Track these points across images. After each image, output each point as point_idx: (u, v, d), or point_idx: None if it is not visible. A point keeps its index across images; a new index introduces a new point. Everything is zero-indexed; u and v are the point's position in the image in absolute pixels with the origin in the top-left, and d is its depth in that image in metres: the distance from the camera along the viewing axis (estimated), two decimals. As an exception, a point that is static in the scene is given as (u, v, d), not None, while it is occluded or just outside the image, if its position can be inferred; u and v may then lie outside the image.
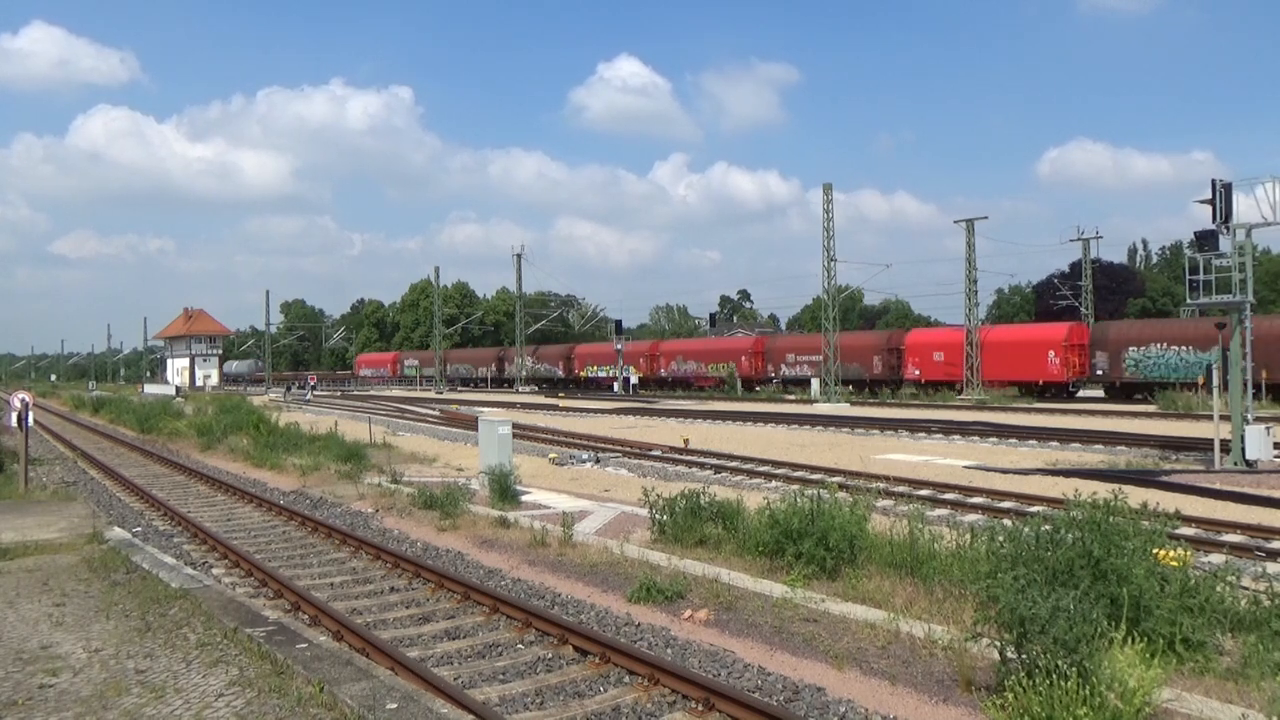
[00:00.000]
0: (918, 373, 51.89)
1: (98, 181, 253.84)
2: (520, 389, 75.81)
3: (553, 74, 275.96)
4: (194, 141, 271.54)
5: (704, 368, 65.55)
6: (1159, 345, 43.43)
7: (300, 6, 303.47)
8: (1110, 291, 71.06)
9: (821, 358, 53.26)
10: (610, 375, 70.54)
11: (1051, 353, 46.47)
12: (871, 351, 55.18)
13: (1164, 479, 18.46)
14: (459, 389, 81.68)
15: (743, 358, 62.97)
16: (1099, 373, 45.57)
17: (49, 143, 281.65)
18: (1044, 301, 73.49)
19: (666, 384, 68.66)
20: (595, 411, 45.34)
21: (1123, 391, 44.52)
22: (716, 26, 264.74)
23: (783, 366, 60.88)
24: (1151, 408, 38.35)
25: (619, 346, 68.17)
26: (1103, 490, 8.78)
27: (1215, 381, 20.94)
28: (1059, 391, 46.25)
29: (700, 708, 6.95)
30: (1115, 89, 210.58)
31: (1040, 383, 46.83)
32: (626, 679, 7.71)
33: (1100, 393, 46.81)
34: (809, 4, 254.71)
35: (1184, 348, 42.22)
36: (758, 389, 60.01)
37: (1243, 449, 19.60)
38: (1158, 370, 43.23)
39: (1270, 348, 39.16)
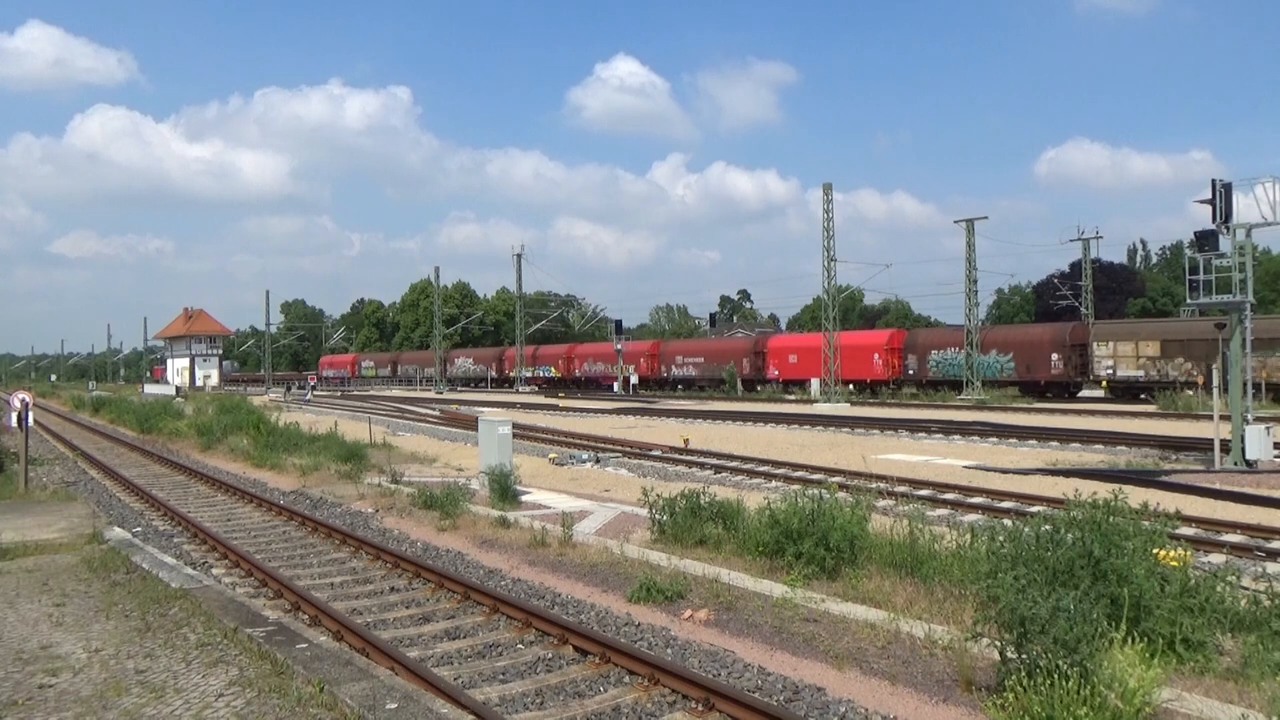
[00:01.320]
0: (777, 373, 58.77)
1: (96, 181, 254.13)
2: (520, 389, 75.81)
3: (550, 74, 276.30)
4: (192, 141, 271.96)
5: (609, 368, 72.48)
6: (954, 349, 49.97)
7: (298, 7, 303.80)
8: (1110, 291, 71.08)
9: (701, 359, 65.12)
10: (535, 376, 79.30)
11: (876, 355, 53.51)
12: (742, 354, 62.81)
13: (1164, 479, 18.46)
14: (459, 389, 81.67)
15: (641, 359, 70.87)
16: (910, 372, 52.25)
17: (47, 143, 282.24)
18: (1044, 301, 73.55)
19: (580, 383, 75.52)
20: (595, 411, 45.34)
21: (930, 386, 50.63)
22: (714, 26, 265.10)
23: (673, 368, 68.48)
24: (1151, 408, 38.35)
25: (619, 346, 68.28)
26: (1103, 490, 8.78)
27: (1215, 382, 20.94)
28: (884, 387, 52.82)
29: (700, 708, 6.95)
30: (1113, 89, 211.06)
31: (869, 381, 53.43)
32: (626, 679, 7.71)
33: (914, 389, 52.10)
34: (806, 3, 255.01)
35: (959, 350, 49.21)
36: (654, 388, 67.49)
37: (1243, 449, 19.59)
38: (954, 370, 49.94)
39: (1030, 352, 47.91)
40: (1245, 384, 20.15)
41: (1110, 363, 44.18)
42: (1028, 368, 48.24)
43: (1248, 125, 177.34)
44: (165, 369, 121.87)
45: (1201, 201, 20.19)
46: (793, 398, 54.12)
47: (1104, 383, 44.56)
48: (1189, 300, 21.26)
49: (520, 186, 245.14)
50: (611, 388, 68.06)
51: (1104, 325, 47.91)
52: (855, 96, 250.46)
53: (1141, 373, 42.74)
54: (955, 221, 72.26)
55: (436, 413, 44.78)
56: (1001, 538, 8.26)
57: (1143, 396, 42.89)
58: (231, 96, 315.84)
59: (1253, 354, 20.66)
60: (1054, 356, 46.91)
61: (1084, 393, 48.17)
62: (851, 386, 53.93)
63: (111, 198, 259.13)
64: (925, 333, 54.84)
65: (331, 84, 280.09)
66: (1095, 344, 44.74)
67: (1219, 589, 7.84)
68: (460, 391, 77.34)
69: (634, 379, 67.17)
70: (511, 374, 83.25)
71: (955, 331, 53.22)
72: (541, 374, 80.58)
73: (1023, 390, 47.64)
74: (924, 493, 16.74)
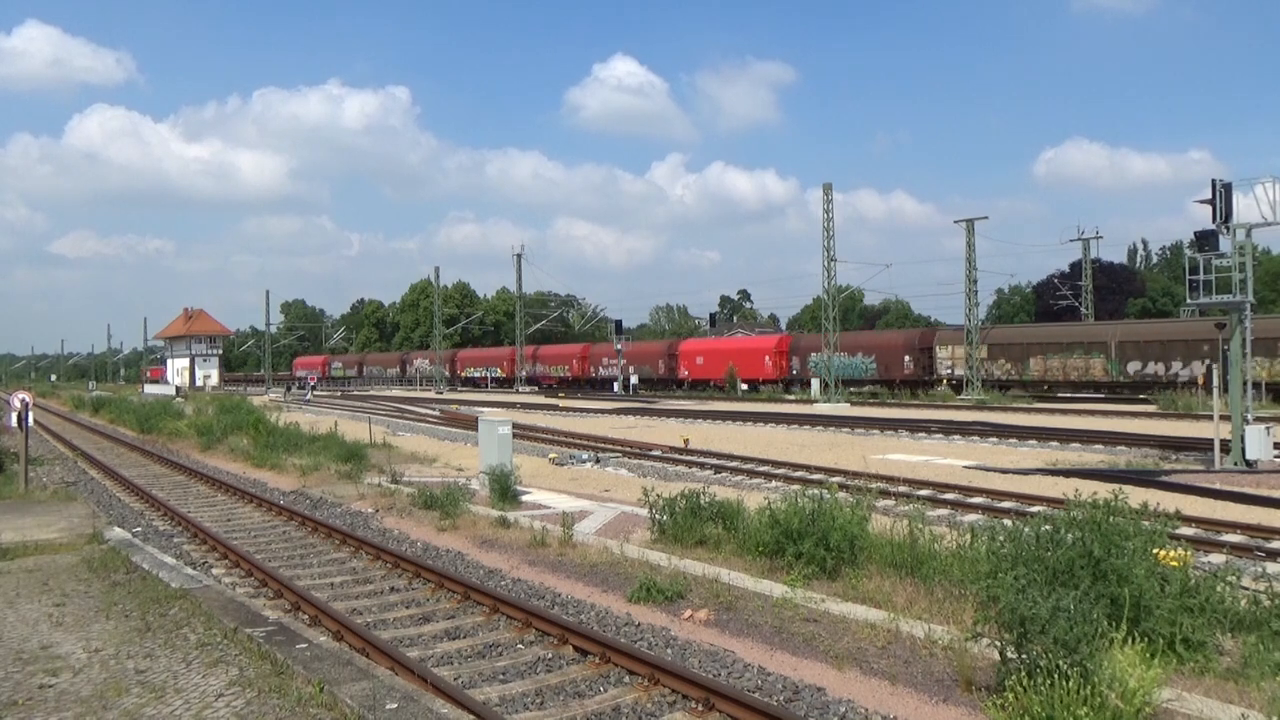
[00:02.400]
0: (687, 373, 64.83)
1: (95, 181, 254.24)
2: (520, 389, 75.82)
3: (549, 74, 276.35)
4: (191, 141, 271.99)
5: (550, 368, 78.45)
6: (836, 355, 54.40)
7: (296, 7, 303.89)
8: (1110, 291, 71.05)
9: (624, 361, 69.17)
10: (484, 375, 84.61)
11: (767, 358, 59.13)
12: (659, 356, 68.75)
13: (1164, 479, 18.45)
14: (459, 389, 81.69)
15: (574, 361, 76.36)
16: (794, 373, 58.38)
17: (45, 143, 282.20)
18: (1044, 301, 73.52)
19: (529, 382, 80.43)
20: (595, 411, 45.34)
21: (808, 386, 55.89)
22: (713, 26, 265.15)
23: (600, 369, 73.54)
24: (1151, 408, 38.35)
25: (619, 346, 68.31)
26: (1103, 490, 8.77)
27: (1215, 381, 20.94)
28: (774, 385, 58.49)
29: (700, 708, 6.95)
30: (1112, 89, 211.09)
31: (760, 379, 58.93)
32: (627, 679, 7.70)
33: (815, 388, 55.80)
34: (805, 3, 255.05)
35: (845, 354, 54.38)
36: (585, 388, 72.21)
37: (1243, 449, 19.59)
38: (834, 371, 54.34)
39: (888, 354, 53.54)
40: (1245, 384, 20.15)
41: (950, 363, 50.74)
42: (885, 368, 54.04)
43: (1247, 125, 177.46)
44: (160, 369, 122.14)
45: (1201, 201, 20.20)
46: (793, 398, 54.15)
47: (944, 380, 50.60)
48: (1189, 300, 21.26)
49: (519, 186, 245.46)
50: (552, 387, 69.22)
51: (945, 331, 54.82)
52: (854, 96, 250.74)
53: (1005, 374, 48.91)
54: (955, 221, 72.43)
55: (436, 413, 44.79)
56: (1001, 538, 8.26)
57: (1007, 390, 48.47)
58: (230, 96, 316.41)
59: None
60: (906, 358, 52.82)
61: (1083, 394, 48.81)
62: (745, 385, 60.53)
63: (111, 198, 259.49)
64: (806, 338, 62.53)
65: (330, 84, 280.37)
66: (938, 348, 51.37)
67: (1219, 589, 7.84)
68: (460, 391, 77.35)
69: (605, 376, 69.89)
70: (462, 374, 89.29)
71: (842, 336, 60.03)
72: (489, 374, 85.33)
73: (882, 387, 53.64)
74: (924, 493, 16.75)
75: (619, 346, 68.24)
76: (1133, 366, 43.26)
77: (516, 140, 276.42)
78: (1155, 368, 42.50)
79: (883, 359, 54.34)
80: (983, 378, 48.88)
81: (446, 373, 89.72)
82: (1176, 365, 41.51)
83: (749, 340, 62.55)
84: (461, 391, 77.51)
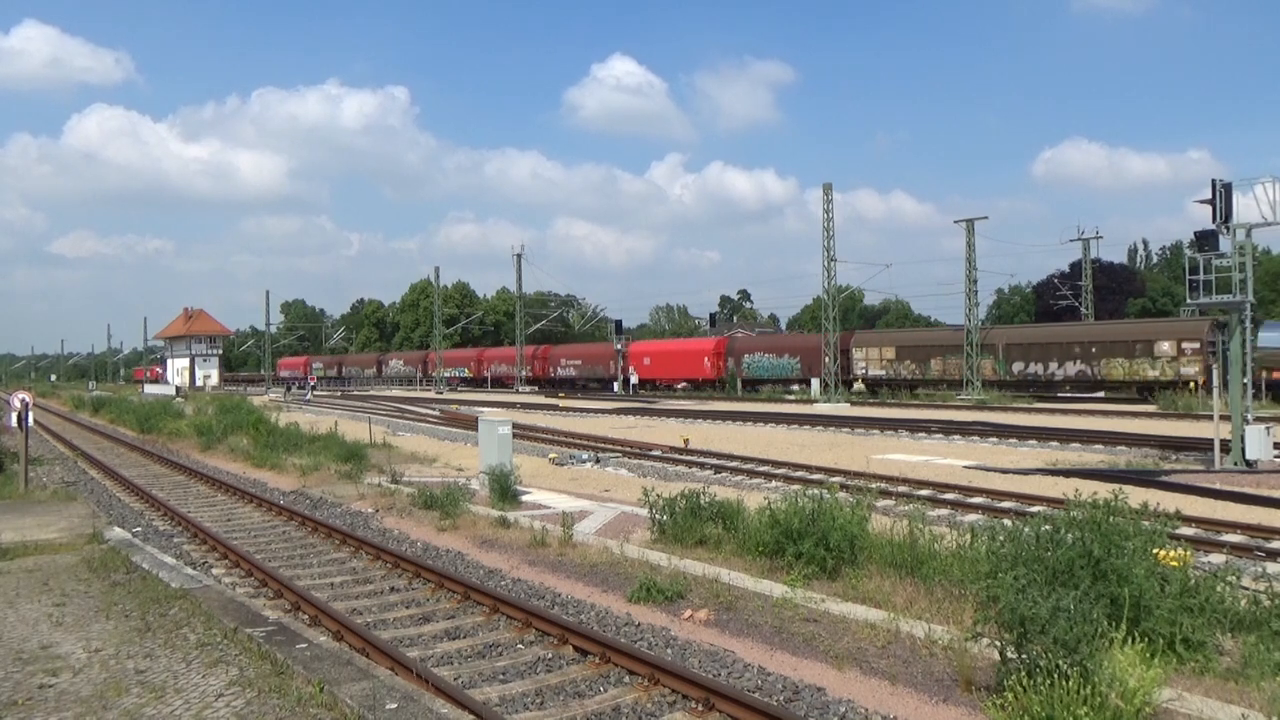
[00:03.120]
0: (635, 373, 68.53)
1: (95, 181, 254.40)
2: (520, 389, 75.83)
3: (547, 74, 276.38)
4: (190, 142, 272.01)
5: (511, 369, 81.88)
6: (761, 354, 60.91)
7: (295, 7, 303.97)
8: (1110, 291, 70.99)
9: (580, 361, 75.37)
10: (453, 375, 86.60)
11: (705, 359, 63.71)
12: (609, 358, 71.65)
13: (1164, 479, 18.46)
14: (459, 389, 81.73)
15: (535, 362, 79.52)
16: (729, 373, 61.98)
17: (44, 142, 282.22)
18: (1044, 301, 73.48)
19: (492, 383, 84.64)
20: (595, 411, 45.34)
21: (743, 386, 60.44)
22: (711, 26, 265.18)
23: (557, 369, 77.83)
24: (1151, 408, 38.38)
25: (619, 347, 68.33)
26: (1103, 490, 8.77)
27: (1215, 381, 20.94)
28: (711, 385, 63.14)
29: (700, 708, 6.95)
30: (1110, 89, 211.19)
31: (700, 379, 63.98)
32: (627, 679, 7.70)
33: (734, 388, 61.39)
34: (803, 3, 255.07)
35: (774, 355, 60.20)
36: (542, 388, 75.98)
37: (1243, 449, 19.60)
38: (760, 371, 60.35)
39: (812, 355, 57.00)
40: (1245, 384, 20.16)
41: (864, 364, 55.10)
42: (809, 368, 57.45)
43: (1246, 125, 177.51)
44: (147, 369, 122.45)
45: (1201, 201, 20.20)
46: (793, 398, 54.14)
47: (859, 379, 55.05)
48: (1189, 300, 21.26)
49: (518, 186, 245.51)
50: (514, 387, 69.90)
51: (861, 334, 60.06)
52: (853, 96, 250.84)
53: (884, 372, 54.10)
54: (955, 221, 72.53)
55: (436, 413, 44.78)
56: (1001, 538, 8.26)
57: (884, 389, 53.25)
58: (229, 96, 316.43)
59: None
60: (826, 360, 54.87)
61: (1090, 394, 49.91)
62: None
63: (110, 197, 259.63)
64: (740, 341, 67.56)
65: (329, 84, 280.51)
66: (854, 349, 55.66)
67: (1219, 589, 7.84)
68: (460, 391, 77.37)
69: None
70: (433, 374, 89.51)
71: (762, 339, 68.21)
72: (458, 374, 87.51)
73: (804, 385, 57.58)
74: (924, 493, 16.75)
75: (619, 346, 68.27)
76: (1017, 366, 48.81)
77: (515, 140, 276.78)
78: (1035, 368, 48.00)
79: (806, 360, 58.05)
80: (890, 377, 53.65)
81: (420, 373, 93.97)
82: (1053, 366, 47.06)
83: (690, 343, 67.50)
84: (460, 391, 77.53)
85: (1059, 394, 46.59)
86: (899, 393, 51.91)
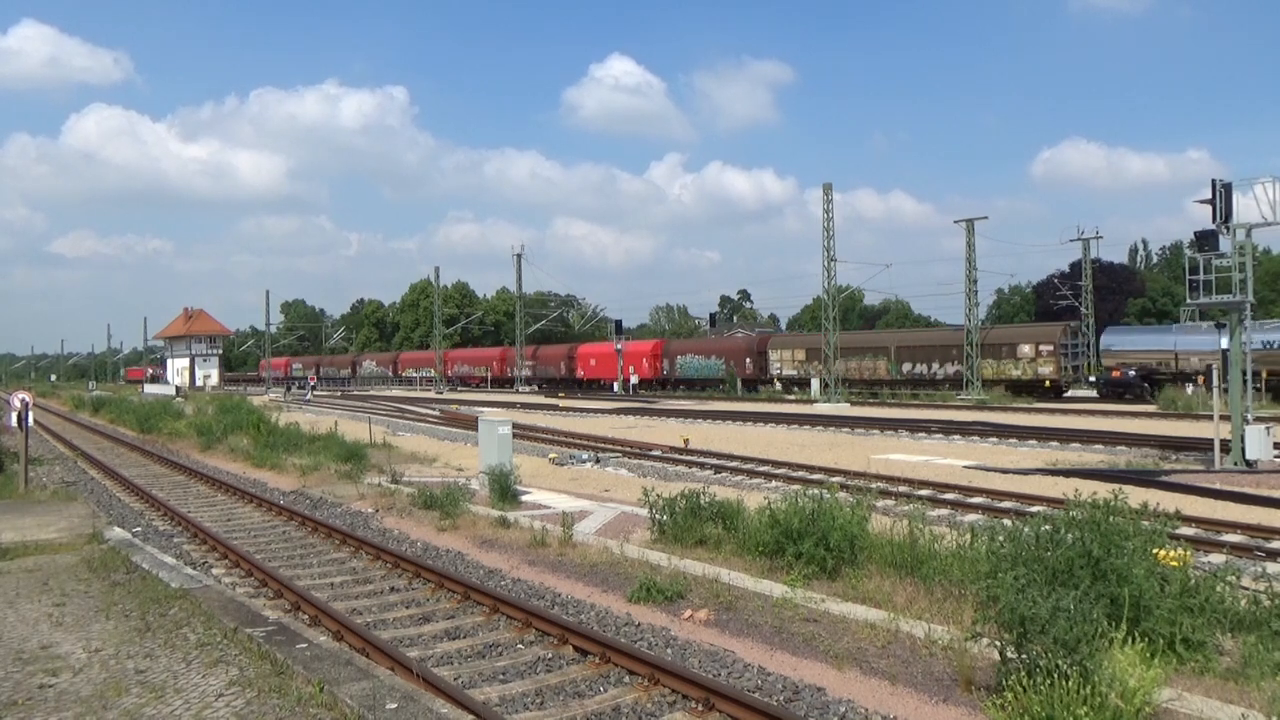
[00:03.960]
0: (583, 374, 73.48)
1: (94, 181, 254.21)
2: (520, 389, 75.84)
3: (546, 73, 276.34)
4: (188, 142, 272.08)
5: (474, 369, 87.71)
6: (692, 355, 66.77)
7: (294, 7, 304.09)
8: (1110, 291, 71.01)
9: (534, 363, 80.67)
10: (419, 376, 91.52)
11: (645, 360, 69.05)
12: (560, 358, 77.89)
13: (1164, 479, 18.46)
14: (458, 389, 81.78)
15: (494, 363, 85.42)
16: (665, 373, 67.81)
17: (43, 142, 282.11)
18: (1044, 301, 73.50)
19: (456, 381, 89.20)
20: (595, 411, 45.34)
21: (676, 384, 66.48)
22: (709, 25, 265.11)
23: (512, 369, 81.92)
24: (1151, 408, 38.39)
25: (619, 346, 68.37)
26: (1103, 490, 8.77)
27: (1215, 381, 20.95)
28: (650, 384, 67.66)
29: (700, 708, 6.95)
30: (1109, 88, 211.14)
31: (640, 378, 67.82)
32: (626, 679, 7.70)
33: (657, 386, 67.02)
34: (802, 2, 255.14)
35: (702, 357, 65.60)
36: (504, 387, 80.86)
37: (1243, 449, 19.60)
38: (690, 372, 65.88)
39: (735, 357, 62.45)
40: (1245, 384, 20.16)
41: (779, 364, 60.25)
42: (731, 368, 62.75)
43: (1245, 124, 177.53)
44: (149, 368, 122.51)
45: (1201, 201, 20.20)
46: (793, 398, 54.17)
47: (775, 378, 60.03)
48: (1189, 300, 21.27)
49: (517, 186, 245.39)
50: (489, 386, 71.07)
51: (777, 337, 67.26)
52: (851, 96, 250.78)
53: (795, 372, 59.02)
54: (955, 221, 72.66)
55: (436, 413, 44.79)
56: (1001, 538, 8.26)
57: (796, 388, 57.72)
58: (228, 97, 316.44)
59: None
60: (747, 360, 62.11)
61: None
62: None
63: (109, 197, 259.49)
64: (675, 344, 73.85)
65: (327, 84, 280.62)
66: (770, 351, 61.29)
67: (1219, 589, 7.84)
68: (460, 391, 77.42)
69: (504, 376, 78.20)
70: (403, 374, 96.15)
71: (692, 342, 75.00)
72: (422, 375, 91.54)
73: (730, 385, 61.85)
74: (924, 493, 16.75)
75: (619, 347, 68.32)
76: (906, 367, 53.96)
77: (514, 140, 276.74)
78: (920, 368, 53.48)
79: (729, 361, 63.34)
80: (800, 376, 58.42)
81: (391, 373, 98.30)
82: (935, 366, 52.83)
83: (632, 345, 72.44)
84: (460, 391, 77.56)
85: (939, 389, 51.54)
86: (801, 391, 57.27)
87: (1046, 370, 47.53)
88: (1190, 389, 38.56)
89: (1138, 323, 64.98)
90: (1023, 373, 48.43)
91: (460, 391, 77.64)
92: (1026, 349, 48.46)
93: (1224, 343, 38.05)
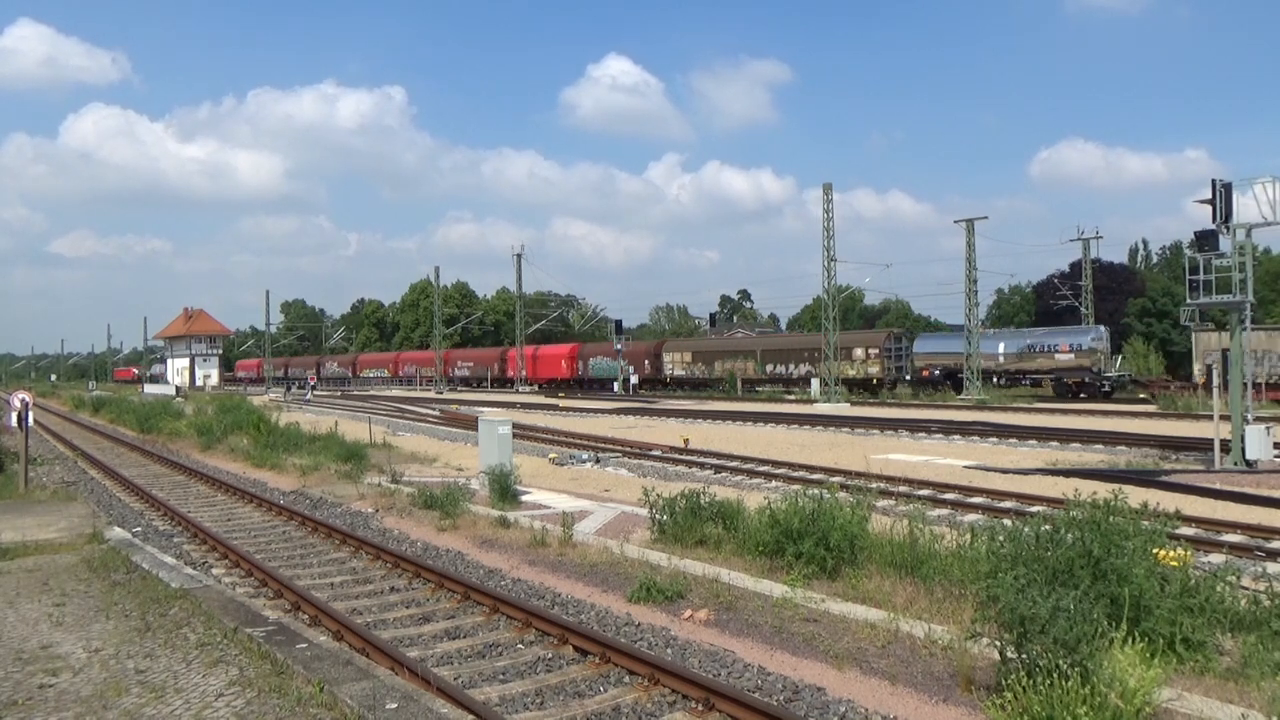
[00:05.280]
0: (525, 373, 78.99)
1: (93, 181, 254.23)
2: (520, 389, 75.85)
3: (544, 73, 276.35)
4: (187, 142, 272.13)
5: (421, 369, 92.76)
6: (600, 358, 72.96)
7: (292, 7, 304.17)
8: (1110, 291, 70.89)
9: (473, 363, 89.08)
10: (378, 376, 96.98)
11: (564, 361, 76.27)
12: (495, 360, 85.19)
13: (1164, 479, 18.46)
14: (458, 389, 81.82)
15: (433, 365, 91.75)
16: (579, 374, 74.51)
17: (41, 142, 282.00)
18: (1044, 301, 73.44)
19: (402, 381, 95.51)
20: (595, 411, 45.34)
21: (589, 385, 72.47)
22: (707, 25, 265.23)
23: (454, 369, 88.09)
24: (1151, 408, 38.41)
25: (619, 346, 68.37)
26: (1103, 490, 8.78)
27: (1215, 381, 20.95)
28: (569, 384, 74.45)
29: (700, 708, 6.95)
30: (1106, 88, 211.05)
31: (558, 378, 75.59)
32: (627, 679, 7.70)
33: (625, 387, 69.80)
34: (800, 1, 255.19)
35: (609, 359, 70.66)
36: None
37: (1243, 449, 19.60)
38: (599, 372, 72.44)
39: (638, 360, 70.04)
40: (1246, 384, 20.16)
41: (671, 366, 68.65)
42: (633, 369, 69.38)
43: (1244, 124, 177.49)
44: (127, 370, 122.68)
45: (1201, 201, 20.21)
46: (793, 398, 54.18)
47: (667, 378, 68.09)
48: (1189, 300, 21.28)
49: (515, 186, 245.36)
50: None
51: (670, 342, 76.12)
52: (850, 95, 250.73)
53: (684, 372, 67.06)
54: (955, 221, 72.62)
55: (436, 413, 44.78)
56: (1001, 537, 8.26)
57: (685, 387, 65.76)
58: (226, 97, 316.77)
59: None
60: (646, 362, 70.16)
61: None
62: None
63: (108, 197, 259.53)
64: (589, 347, 79.41)
65: (325, 84, 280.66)
66: (664, 354, 69.81)
67: (1219, 589, 7.84)
68: (460, 391, 77.46)
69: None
70: (361, 374, 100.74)
71: (600, 345, 78.71)
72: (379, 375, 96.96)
73: (645, 384, 68.58)
74: (924, 492, 16.75)
75: (619, 346, 68.34)
76: (769, 368, 61.67)
77: (512, 140, 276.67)
78: (780, 368, 61.35)
79: (633, 362, 69.79)
80: (687, 376, 66.57)
81: (350, 374, 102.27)
82: (791, 366, 60.55)
83: (553, 348, 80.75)
84: (460, 391, 77.59)
85: (794, 387, 59.48)
86: (699, 389, 65.00)
87: (874, 370, 55.66)
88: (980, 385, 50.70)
89: (1138, 323, 65.13)
90: (857, 372, 56.06)
91: (460, 391, 77.67)
92: (860, 352, 56.73)
93: (1000, 347, 52.69)
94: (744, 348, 65.84)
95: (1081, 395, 47.99)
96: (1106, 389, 47.05)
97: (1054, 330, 53.68)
